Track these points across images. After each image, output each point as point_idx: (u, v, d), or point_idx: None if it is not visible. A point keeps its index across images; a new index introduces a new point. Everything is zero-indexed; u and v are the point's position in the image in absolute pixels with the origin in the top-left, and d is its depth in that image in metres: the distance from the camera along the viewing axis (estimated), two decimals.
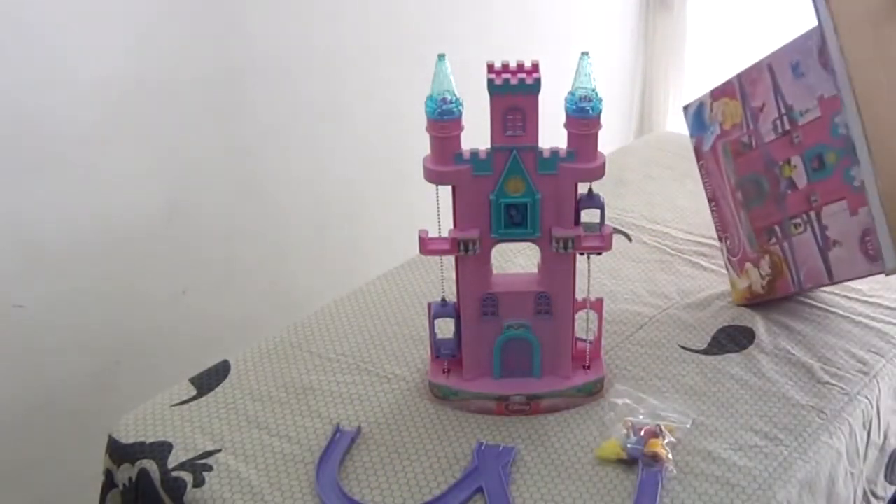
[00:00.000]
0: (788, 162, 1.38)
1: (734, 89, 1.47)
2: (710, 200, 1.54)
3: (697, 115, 1.55)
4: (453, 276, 1.21)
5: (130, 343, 1.75)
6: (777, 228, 1.40)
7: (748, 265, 1.45)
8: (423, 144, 1.13)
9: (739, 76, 1.46)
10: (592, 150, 1.12)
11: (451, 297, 1.24)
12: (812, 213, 1.34)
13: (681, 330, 1.41)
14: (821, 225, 1.33)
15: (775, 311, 1.44)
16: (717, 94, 1.51)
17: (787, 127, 1.39)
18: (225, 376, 1.33)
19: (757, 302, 1.45)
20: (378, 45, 1.95)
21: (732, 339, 1.38)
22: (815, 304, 1.45)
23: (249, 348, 1.39)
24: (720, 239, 1.52)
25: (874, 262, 1.25)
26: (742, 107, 1.45)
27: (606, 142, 1.17)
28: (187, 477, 1.16)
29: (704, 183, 1.55)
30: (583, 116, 1.09)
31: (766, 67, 1.41)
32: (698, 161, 1.56)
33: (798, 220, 1.37)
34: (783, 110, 1.39)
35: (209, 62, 1.70)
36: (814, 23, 1.27)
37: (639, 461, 1.13)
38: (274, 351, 1.38)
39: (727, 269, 1.50)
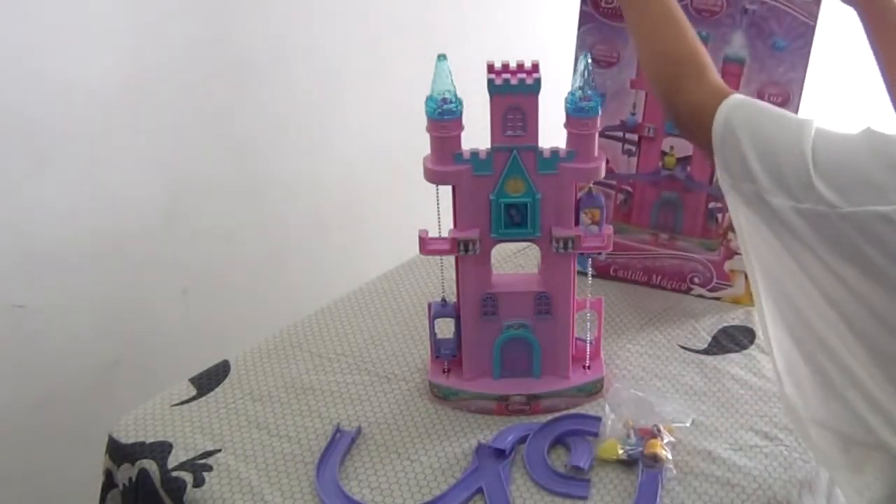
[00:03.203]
0: (664, 154, 1.39)
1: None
2: (646, 282, 1.49)
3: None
4: (453, 276, 1.21)
5: (130, 343, 1.75)
6: (713, 205, 1.40)
7: (726, 265, 1.44)
8: (423, 144, 1.13)
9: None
10: (592, 150, 1.12)
11: (451, 297, 1.24)
12: None
13: (681, 330, 1.41)
14: None
15: None
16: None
17: (635, 136, 1.40)
18: (225, 376, 1.33)
19: None
20: (378, 44, 1.95)
21: (732, 339, 1.38)
22: None
23: (249, 348, 1.39)
24: (688, 290, 1.48)
25: None
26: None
27: None
28: (187, 477, 1.15)
29: (635, 277, 1.50)
30: (582, 116, 1.09)
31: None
32: (609, 271, 1.51)
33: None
34: (622, 134, 1.41)
35: (209, 62, 1.70)
36: None
37: (639, 462, 1.13)
38: (274, 351, 1.38)
39: (720, 297, 1.46)
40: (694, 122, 0.93)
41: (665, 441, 1.15)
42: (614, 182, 1.44)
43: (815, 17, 1.23)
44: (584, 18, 1.37)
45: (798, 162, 0.82)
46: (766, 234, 0.88)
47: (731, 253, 1.42)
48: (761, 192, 0.85)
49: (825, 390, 0.92)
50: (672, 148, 1.39)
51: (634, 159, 1.42)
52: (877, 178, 0.79)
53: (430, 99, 1.09)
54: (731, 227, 1.40)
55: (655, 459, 1.12)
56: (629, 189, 1.44)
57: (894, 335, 0.83)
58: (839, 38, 1.19)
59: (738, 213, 0.90)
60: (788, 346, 0.95)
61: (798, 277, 0.87)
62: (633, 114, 1.39)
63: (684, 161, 1.39)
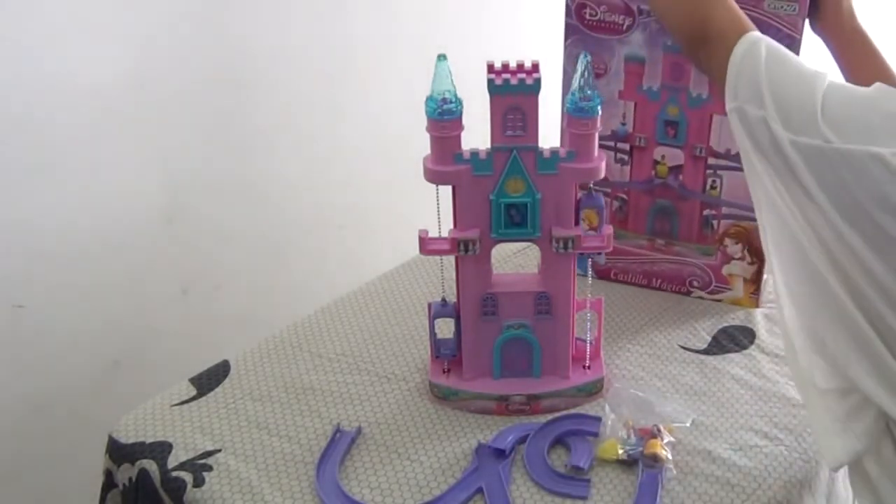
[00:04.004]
0: (656, 163, 1.39)
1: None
2: (646, 285, 1.49)
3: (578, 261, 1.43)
4: (453, 276, 1.21)
5: (130, 343, 1.75)
6: (707, 213, 1.40)
7: (724, 270, 1.44)
8: (423, 144, 1.13)
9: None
10: (592, 150, 1.12)
11: (451, 297, 1.24)
12: (710, 160, 1.35)
13: (681, 330, 1.41)
14: (723, 155, 1.34)
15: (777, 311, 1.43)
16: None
17: (627, 146, 1.40)
18: (225, 376, 1.33)
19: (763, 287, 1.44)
20: (378, 45, 1.95)
21: (732, 339, 1.38)
22: None
23: (249, 348, 1.39)
24: (688, 293, 1.48)
25: None
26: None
27: None
28: (187, 477, 1.15)
29: (636, 281, 1.50)
30: (582, 116, 1.09)
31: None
32: (610, 275, 1.51)
33: (712, 181, 1.37)
34: (614, 144, 1.40)
35: (208, 63, 1.70)
36: None
37: (639, 462, 1.13)
38: (274, 351, 1.38)
39: (721, 300, 1.46)
40: (715, 40, 0.97)
41: (665, 441, 1.15)
42: (609, 189, 1.45)
43: (799, 30, 1.23)
44: (569, 31, 1.37)
45: (808, 109, 0.87)
46: (765, 164, 0.92)
47: (729, 258, 1.42)
48: (768, 118, 0.89)
49: (819, 319, 0.96)
50: (663, 157, 1.39)
51: (627, 168, 1.42)
52: (877, 123, 0.84)
53: (430, 99, 1.09)
54: (726, 234, 1.41)
55: (655, 459, 1.12)
56: (624, 196, 1.44)
57: (881, 292, 0.86)
58: (824, 51, 1.19)
59: (743, 140, 0.94)
60: (789, 267, 0.98)
61: (793, 209, 0.91)
62: (624, 124, 1.39)
63: (676, 170, 1.39)
